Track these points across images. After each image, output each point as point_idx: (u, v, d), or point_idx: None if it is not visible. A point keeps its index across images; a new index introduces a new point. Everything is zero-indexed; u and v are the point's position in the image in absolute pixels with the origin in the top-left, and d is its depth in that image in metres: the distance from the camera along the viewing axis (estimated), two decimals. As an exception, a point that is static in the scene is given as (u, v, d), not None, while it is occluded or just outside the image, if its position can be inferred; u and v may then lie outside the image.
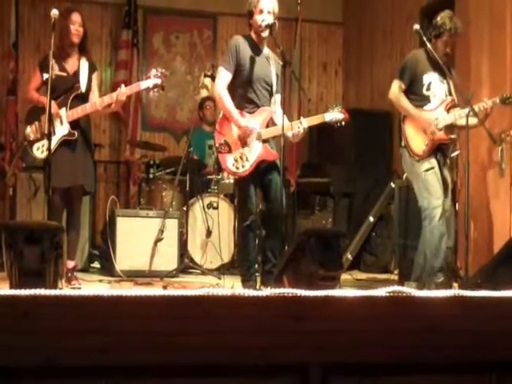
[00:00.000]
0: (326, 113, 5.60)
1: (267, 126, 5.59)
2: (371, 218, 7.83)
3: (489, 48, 6.62)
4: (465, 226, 5.54)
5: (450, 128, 5.77)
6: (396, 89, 5.89)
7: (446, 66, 5.80)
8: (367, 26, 9.72)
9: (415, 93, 5.88)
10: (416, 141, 5.81)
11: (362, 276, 7.59)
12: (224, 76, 5.58)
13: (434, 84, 5.85)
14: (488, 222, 6.51)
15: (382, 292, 3.56)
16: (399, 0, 8.67)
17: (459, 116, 5.67)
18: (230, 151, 5.51)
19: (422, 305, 3.58)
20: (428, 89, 5.85)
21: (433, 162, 5.78)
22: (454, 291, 3.82)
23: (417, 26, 5.79)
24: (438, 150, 5.81)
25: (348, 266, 7.70)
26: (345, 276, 6.99)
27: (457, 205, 6.28)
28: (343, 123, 5.58)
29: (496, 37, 6.53)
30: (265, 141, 5.52)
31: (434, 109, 5.82)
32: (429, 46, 5.76)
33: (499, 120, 6.30)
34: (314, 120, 5.63)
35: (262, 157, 5.51)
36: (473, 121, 5.64)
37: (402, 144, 5.91)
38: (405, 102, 5.85)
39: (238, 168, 5.50)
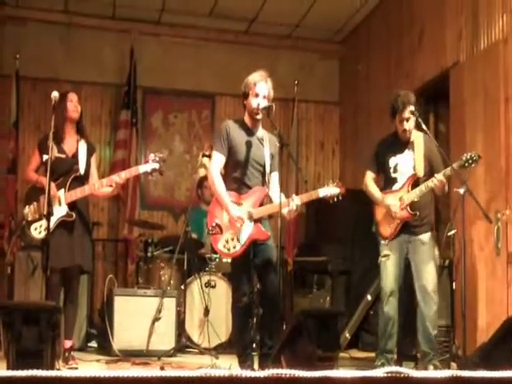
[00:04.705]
0: (320, 188, 5.64)
1: (261, 205, 5.62)
2: (369, 297, 7.83)
3: (483, 126, 6.72)
4: (462, 305, 5.54)
5: (415, 204, 5.92)
6: (366, 178, 6.26)
7: (408, 142, 6.06)
8: (363, 105, 9.83)
9: (385, 177, 6.20)
10: (384, 224, 6.09)
11: (361, 355, 7.54)
12: (217, 159, 5.62)
13: (401, 164, 6.08)
14: (485, 300, 6.51)
15: (380, 372, 3.54)
16: (395, 80, 8.80)
17: (425, 187, 5.82)
18: (221, 232, 5.53)
19: (420, 385, 3.56)
20: (395, 171, 6.11)
21: (393, 248, 6.01)
22: (452, 371, 3.81)
23: (412, 108, 5.89)
24: (405, 229, 5.99)
25: (346, 345, 7.67)
26: (343, 355, 6.96)
27: (453, 283, 6.30)
28: (340, 198, 5.61)
29: (490, 116, 6.63)
30: (257, 220, 5.55)
31: (400, 188, 6.05)
32: (424, 126, 5.88)
33: (495, 199, 6.36)
34: (308, 196, 5.65)
35: (254, 236, 5.50)
36: (431, 185, 5.80)
37: (373, 229, 6.21)
38: (371, 190, 6.20)
39: (228, 249, 5.51)
